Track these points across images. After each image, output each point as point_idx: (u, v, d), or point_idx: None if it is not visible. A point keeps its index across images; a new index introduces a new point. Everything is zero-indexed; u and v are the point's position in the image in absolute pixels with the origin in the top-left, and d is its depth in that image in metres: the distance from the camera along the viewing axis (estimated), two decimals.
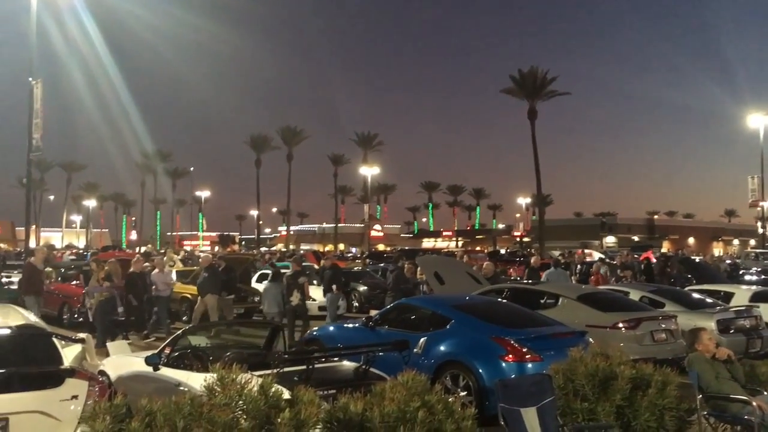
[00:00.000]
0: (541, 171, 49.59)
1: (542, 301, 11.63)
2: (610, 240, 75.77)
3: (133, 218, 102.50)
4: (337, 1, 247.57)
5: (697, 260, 27.16)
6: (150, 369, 6.85)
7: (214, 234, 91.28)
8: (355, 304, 21.41)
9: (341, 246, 71.38)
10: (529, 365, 7.79)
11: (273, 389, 3.71)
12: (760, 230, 52.63)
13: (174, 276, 17.59)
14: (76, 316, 16.35)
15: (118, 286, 14.47)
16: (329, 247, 69.95)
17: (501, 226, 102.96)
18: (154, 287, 15.25)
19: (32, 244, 40.70)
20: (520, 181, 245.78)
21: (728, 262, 29.23)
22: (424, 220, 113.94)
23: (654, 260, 24.80)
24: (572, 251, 31.63)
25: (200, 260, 16.46)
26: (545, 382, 5.30)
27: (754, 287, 16.46)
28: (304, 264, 17.15)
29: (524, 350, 7.99)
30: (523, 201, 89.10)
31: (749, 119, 45.20)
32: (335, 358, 7.38)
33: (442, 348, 8.59)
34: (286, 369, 5.94)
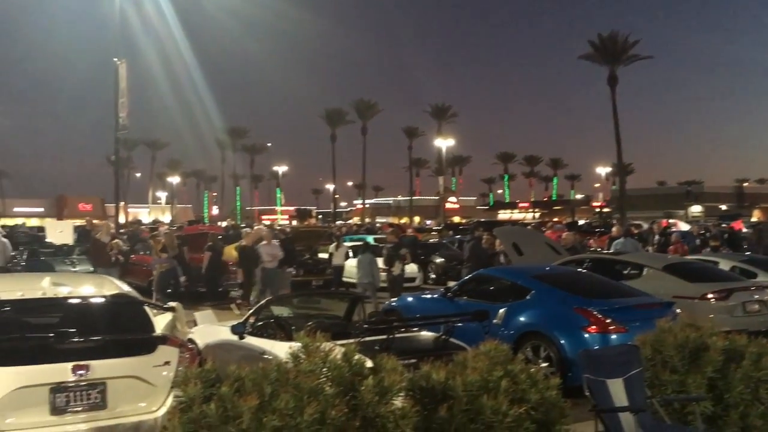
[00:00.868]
0: (622, 139, 48.02)
1: (625, 272, 11.31)
2: (695, 209, 72.70)
3: (215, 194, 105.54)
4: None
5: None
6: (235, 338, 7.08)
7: (291, 208, 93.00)
8: (432, 275, 21.43)
9: (416, 219, 71.41)
10: (614, 336, 7.62)
11: (356, 357, 3.74)
12: None
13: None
14: (200, 287, 17.06)
15: (177, 258, 15.07)
16: (404, 220, 70.11)
17: (579, 196, 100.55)
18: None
19: (121, 220, 42.53)
20: (599, 149, 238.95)
21: None
22: (499, 191, 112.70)
23: (744, 229, 23.66)
24: (655, 221, 30.53)
25: (248, 234, 16.78)
26: (632, 352, 5.16)
27: None
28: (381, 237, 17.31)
29: (608, 321, 7.81)
30: (603, 170, 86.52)
31: None
32: (414, 328, 7.42)
33: (522, 319, 8.49)
34: (367, 338, 6.00)
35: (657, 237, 21.19)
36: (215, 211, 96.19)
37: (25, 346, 5.05)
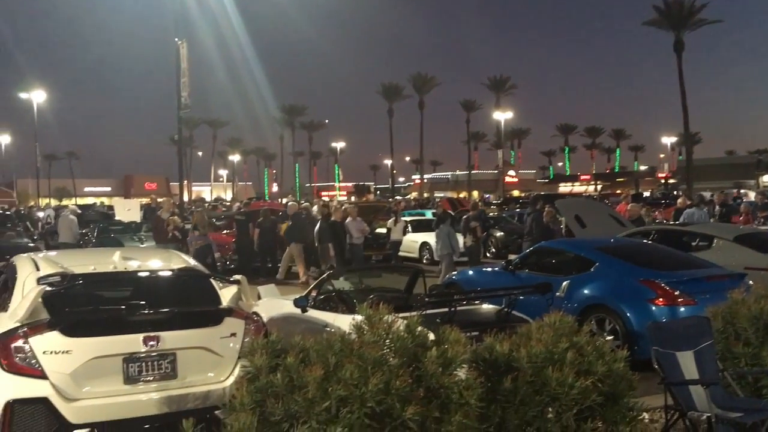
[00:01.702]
0: (689, 108, 46.33)
1: (694, 243, 10.98)
2: (767, 179, 69.85)
3: (274, 171, 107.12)
4: None
5: None
6: (299, 311, 7.18)
7: (350, 184, 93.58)
8: (492, 249, 21.27)
9: (475, 193, 70.87)
10: (682, 309, 7.41)
11: (419, 329, 3.73)
12: None
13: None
14: (227, 263, 17.45)
15: (211, 235, 15.43)
16: (463, 194, 69.69)
17: (643, 167, 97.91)
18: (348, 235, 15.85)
19: (185, 198, 43.76)
20: (664, 119, 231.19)
21: None
22: (560, 164, 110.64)
23: None
24: (724, 191, 29.45)
25: (336, 210, 16.87)
26: (703, 324, 5.01)
27: None
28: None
29: (676, 293, 7.60)
30: (668, 140, 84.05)
31: None
32: (476, 301, 7.38)
33: (586, 291, 8.34)
34: (429, 311, 6.00)
35: (717, 208, 19.97)
36: (275, 188, 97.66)
37: (99, 318, 5.24)
